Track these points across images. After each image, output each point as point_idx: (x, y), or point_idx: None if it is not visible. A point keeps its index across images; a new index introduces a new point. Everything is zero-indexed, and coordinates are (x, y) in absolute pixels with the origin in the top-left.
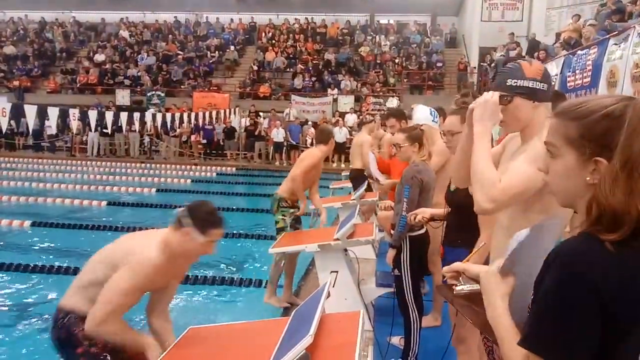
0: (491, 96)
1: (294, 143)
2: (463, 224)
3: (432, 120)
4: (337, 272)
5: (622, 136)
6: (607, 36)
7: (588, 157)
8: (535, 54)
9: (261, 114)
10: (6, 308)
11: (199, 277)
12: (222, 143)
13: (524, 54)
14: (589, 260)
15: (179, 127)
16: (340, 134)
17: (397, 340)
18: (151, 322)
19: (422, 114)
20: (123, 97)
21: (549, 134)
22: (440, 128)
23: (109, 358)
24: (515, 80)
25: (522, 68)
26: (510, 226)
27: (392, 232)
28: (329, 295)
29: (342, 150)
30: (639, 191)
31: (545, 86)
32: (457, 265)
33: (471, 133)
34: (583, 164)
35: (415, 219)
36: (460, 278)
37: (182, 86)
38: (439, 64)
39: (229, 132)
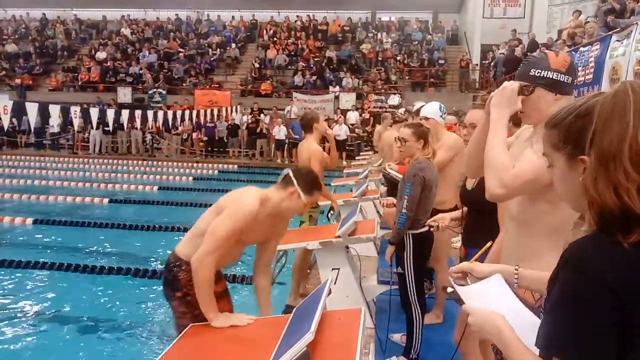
0: (510, 84)
1: (297, 141)
2: (483, 224)
3: (440, 116)
4: (338, 269)
5: (591, 132)
6: (610, 33)
7: (574, 159)
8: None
9: (263, 111)
10: (8, 305)
11: None
12: (225, 140)
13: (525, 51)
14: (602, 259)
15: (180, 125)
16: (340, 131)
17: (398, 338)
18: (255, 281)
19: (431, 107)
20: (125, 94)
21: (543, 145)
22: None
23: (197, 312)
24: (539, 71)
25: (548, 58)
26: (519, 217)
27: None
28: (330, 292)
29: (343, 147)
30: (621, 183)
31: (569, 79)
32: (464, 265)
33: (487, 121)
34: (573, 166)
35: (438, 228)
36: (467, 278)
37: (183, 84)
38: (441, 61)
39: (232, 130)
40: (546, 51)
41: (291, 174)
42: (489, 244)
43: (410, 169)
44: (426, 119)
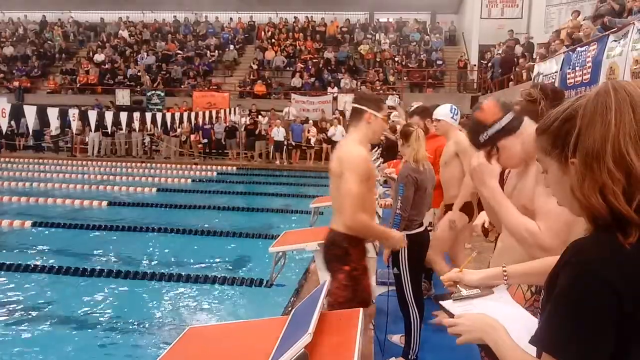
0: (476, 161)
1: (295, 143)
2: None
3: (452, 117)
4: None
5: (576, 134)
6: (607, 33)
7: (565, 162)
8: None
9: (261, 113)
10: (8, 308)
11: (200, 276)
12: (224, 142)
13: (522, 52)
14: (603, 260)
15: (179, 127)
16: (337, 133)
17: (397, 339)
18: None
19: (443, 109)
20: (123, 96)
21: (536, 154)
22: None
23: (357, 288)
24: (485, 134)
25: (480, 120)
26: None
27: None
28: (328, 293)
29: None
30: (606, 184)
31: (510, 115)
32: (453, 274)
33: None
34: (565, 170)
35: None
36: (458, 286)
37: (181, 86)
38: (439, 62)
39: (231, 131)
40: (474, 115)
41: (357, 104)
42: (474, 253)
43: (403, 170)
44: (437, 120)
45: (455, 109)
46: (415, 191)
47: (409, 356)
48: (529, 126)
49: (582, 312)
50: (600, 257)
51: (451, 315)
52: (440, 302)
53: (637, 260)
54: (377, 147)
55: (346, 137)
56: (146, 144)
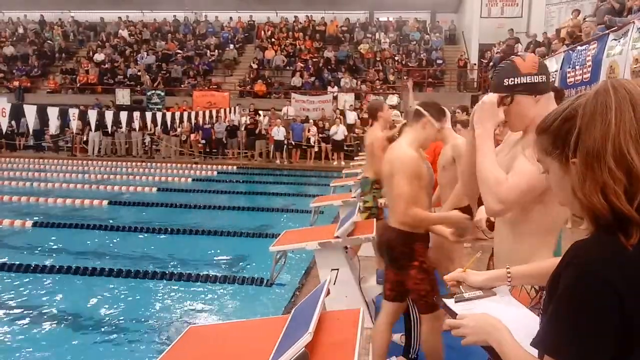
0: (489, 97)
1: (295, 142)
2: None
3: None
4: (337, 269)
5: (576, 133)
6: (607, 32)
7: (566, 162)
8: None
9: (261, 112)
10: (8, 307)
11: (200, 275)
12: (225, 141)
13: (523, 50)
14: (605, 261)
15: (179, 126)
16: (339, 132)
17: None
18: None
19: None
20: (123, 96)
21: (535, 151)
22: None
23: (432, 277)
24: (512, 79)
25: (517, 65)
26: (511, 219)
27: None
28: (329, 292)
29: (341, 147)
30: (607, 184)
31: (543, 77)
32: (456, 274)
33: (474, 138)
34: (567, 170)
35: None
36: (461, 286)
37: (181, 85)
38: (439, 61)
39: (232, 131)
40: (513, 58)
41: (421, 108)
42: (478, 254)
43: None
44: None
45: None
46: None
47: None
48: (549, 102)
49: (583, 313)
50: (601, 257)
51: (454, 315)
52: (444, 300)
53: (638, 261)
54: None
55: (399, 138)
56: (146, 144)
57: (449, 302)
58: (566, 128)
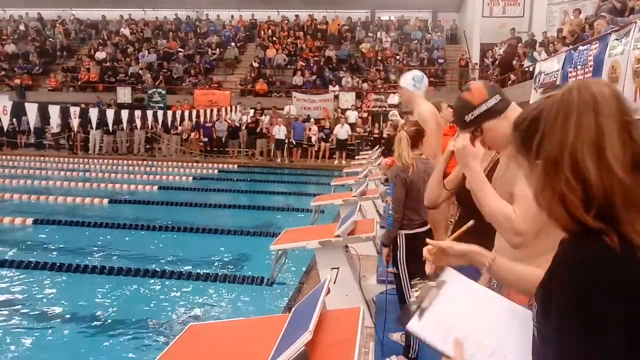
0: (461, 143)
1: (296, 141)
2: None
3: (413, 86)
4: (338, 268)
5: (538, 137)
6: (609, 31)
7: (533, 163)
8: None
9: (263, 111)
10: (8, 305)
11: (201, 273)
12: (224, 141)
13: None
14: (600, 265)
15: (180, 125)
16: (342, 131)
17: (397, 337)
18: None
19: (405, 77)
20: (124, 94)
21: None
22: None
23: None
24: (470, 113)
25: (468, 99)
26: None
27: None
28: (329, 291)
29: (343, 146)
30: (564, 193)
31: (497, 97)
32: (441, 242)
33: (444, 162)
34: (533, 170)
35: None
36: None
37: (183, 84)
38: (440, 60)
39: (232, 129)
40: (461, 95)
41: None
42: (470, 222)
43: (392, 170)
44: (400, 88)
45: (419, 77)
46: (408, 192)
47: (410, 355)
48: (515, 110)
49: (591, 327)
50: (595, 264)
51: (422, 341)
52: (408, 329)
53: (623, 262)
54: (378, 146)
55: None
56: (147, 142)
57: (415, 327)
58: (532, 129)
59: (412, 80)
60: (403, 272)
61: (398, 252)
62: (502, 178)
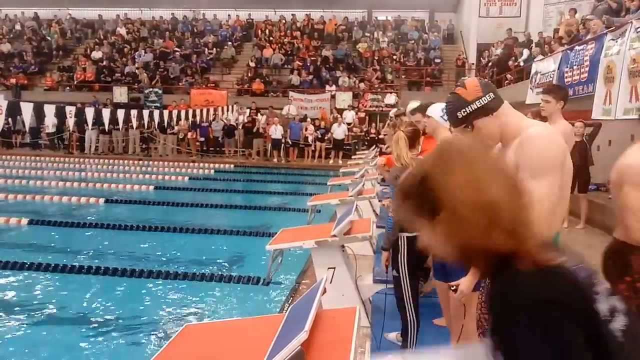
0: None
1: (292, 141)
2: None
3: (441, 117)
4: (334, 268)
5: (434, 194)
6: (605, 31)
7: (433, 219)
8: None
9: (259, 110)
10: (2, 306)
11: (197, 273)
12: (220, 141)
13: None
14: (552, 292)
15: (176, 124)
16: (339, 131)
17: (394, 337)
18: None
19: (435, 107)
20: (120, 94)
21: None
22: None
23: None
24: (464, 110)
25: (462, 95)
26: None
27: None
28: (325, 291)
29: (340, 146)
30: (474, 232)
31: (491, 95)
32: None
33: None
34: (435, 226)
35: None
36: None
37: (179, 83)
38: (437, 60)
39: (229, 129)
40: (456, 90)
41: None
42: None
43: (392, 172)
44: (428, 117)
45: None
46: None
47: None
48: (508, 109)
49: (550, 331)
50: (547, 292)
51: None
52: None
53: (563, 279)
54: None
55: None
56: (143, 142)
57: None
58: (423, 189)
59: (441, 112)
60: (404, 275)
61: (399, 255)
62: None
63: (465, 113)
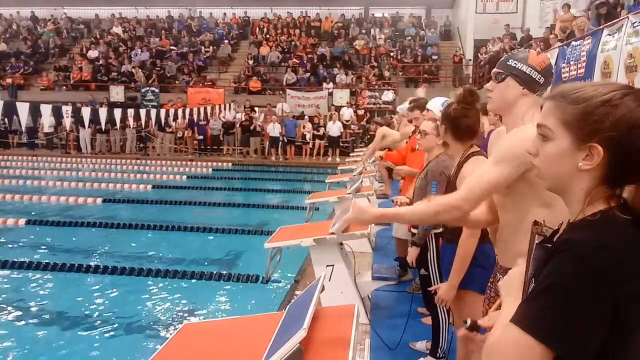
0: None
1: (288, 139)
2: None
3: (440, 111)
4: (332, 266)
5: (615, 129)
6: (601, 27)
7: (582, 142)
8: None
9: (256, 109)
10: (1, 305)
11: (195, 272)
12: (221, 139)
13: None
14: (605, 253)
15: (174, 123)
16: (334, 128)
17: (422, 346)
18: None
19: (434, 102)
20: (117, 93)
21: (542, 116)
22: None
23: None
24: (516, 62)
25: (529, 54)
26: (504, 203)
27: (412, 229)
28: (323, 289)
29: (337, 143)
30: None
31: (541, 79)
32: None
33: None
34: (577, 149)
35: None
36: None
37: (176, 82)
38: (434, 57)
39: (227, 127)
40: (530, 49)
41: None
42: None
43: (436, 167)
44: (427, 110)
45: (447, 102)
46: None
47: (437, 354)
48: (535, 105)
49: (576, 304)
50: (602, 251)
51: None
52: None
53: (631, 245)
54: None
55: None
56: (141, 141)
57: None
58: (602, 111)
59: (441, 106)
60: (434, 272)
61: (429, 253)
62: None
63: (515, 65)
